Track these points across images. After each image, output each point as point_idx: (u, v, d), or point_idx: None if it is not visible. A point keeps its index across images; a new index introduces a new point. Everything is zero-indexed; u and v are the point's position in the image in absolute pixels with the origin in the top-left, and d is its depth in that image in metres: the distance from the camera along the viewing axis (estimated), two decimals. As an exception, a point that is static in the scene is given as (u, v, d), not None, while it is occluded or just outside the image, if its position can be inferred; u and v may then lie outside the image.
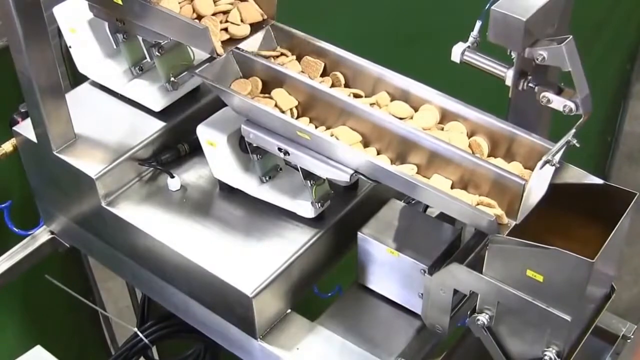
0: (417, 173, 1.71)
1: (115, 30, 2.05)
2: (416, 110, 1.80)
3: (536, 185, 1.62)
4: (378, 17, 2.92)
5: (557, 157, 1.58)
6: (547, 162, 1.56)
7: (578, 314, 1.58)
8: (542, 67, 1.60)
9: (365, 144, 1.78)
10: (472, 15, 1.64)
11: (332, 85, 1.88)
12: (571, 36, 1.54)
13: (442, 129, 1.77)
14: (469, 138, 1.74)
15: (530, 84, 1.63)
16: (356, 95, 1.84)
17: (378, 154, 1.76)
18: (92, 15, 2.05)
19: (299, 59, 1.94)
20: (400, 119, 1.76)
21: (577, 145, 1.58)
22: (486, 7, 1.55)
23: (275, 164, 1.95)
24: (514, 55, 1.60)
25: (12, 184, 2.59)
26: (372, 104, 1.81)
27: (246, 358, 1.94)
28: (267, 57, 1.91)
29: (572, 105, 1.58)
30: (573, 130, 1.58)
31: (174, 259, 1.91)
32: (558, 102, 1.60)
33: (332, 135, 1.77)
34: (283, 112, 1.82)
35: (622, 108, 3.79)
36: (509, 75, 1.62)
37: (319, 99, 1.81)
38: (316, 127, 1.81)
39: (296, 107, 1.85)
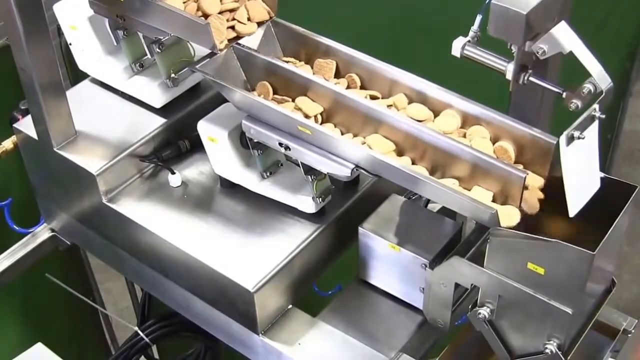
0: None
1: (116, 27, 2.05)
2: (434, 112, 1.78)
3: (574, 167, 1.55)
4: (379, 15, 2.93)
5: (579, 133, 1.50)
6: (571, 137, 1.49)
7: (579, 307, 1.58)
8: (542, 60, 1.60)
9: (399, 152, 1.74)
10: (473, 13, 1.64)
11: (348, 87, 1.87)
12: (562, 21, 1.54)
13: (464, 135, 1.74)
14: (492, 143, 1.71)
15: (531, 78, 1.63)
16: (373, 97, 1.83)
17: (413, 163, 1.72)
18: (93, 12, 2.05)
19: (307, 62, 1.93)
20: (419, 121, 1.73)
21: (602, 116, 1.52)
22: (487, 1, 1.56)
23: (276, 160, 1.95)
24: (514, 49, 1.60)
25: (12, 182, 2.59)
26: (389, 106, 1.79)
27: (248, 354, 1.94)
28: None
29: (590, 87, 1.55)
30: (596, 105, 1.52)
31: (175, 255, 1.91)
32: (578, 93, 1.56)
33: (364, 144, 1.73)
34: (308, 117, 1.79)
35: (622, 106, 3.79)
36: (509, 69, 1.63)
37: (341, 103, 1.78)
38: (342, 134, 1.79)
39: (320, 113, 1.82)
